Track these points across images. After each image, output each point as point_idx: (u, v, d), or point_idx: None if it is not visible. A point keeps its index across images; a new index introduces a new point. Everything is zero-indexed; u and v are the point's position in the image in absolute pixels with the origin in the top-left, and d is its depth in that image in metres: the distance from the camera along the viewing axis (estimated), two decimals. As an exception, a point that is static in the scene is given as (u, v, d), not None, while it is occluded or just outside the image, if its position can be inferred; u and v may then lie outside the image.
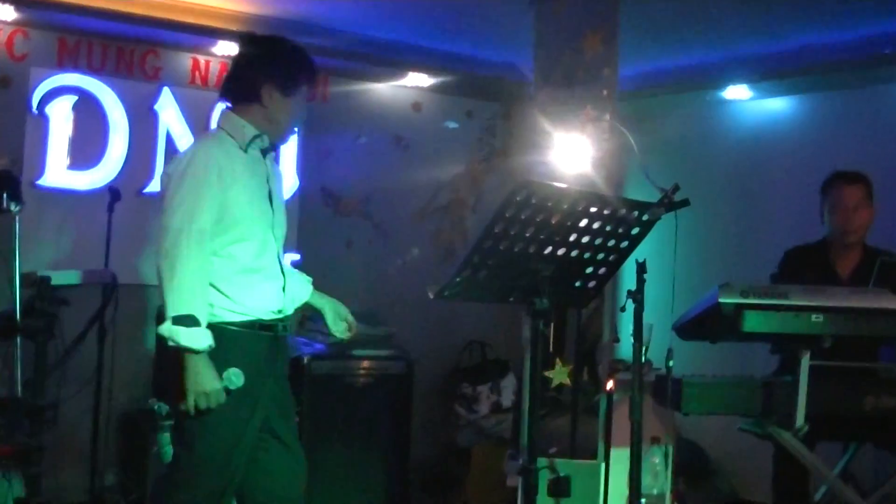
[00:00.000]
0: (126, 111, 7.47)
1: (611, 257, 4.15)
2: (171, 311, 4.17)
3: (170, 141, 7.63)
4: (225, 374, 4.28)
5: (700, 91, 8.27)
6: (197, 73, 7.82)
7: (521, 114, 8.30)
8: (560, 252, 3.98)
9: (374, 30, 7.88)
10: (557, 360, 6.22)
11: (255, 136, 4.48)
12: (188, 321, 4.15)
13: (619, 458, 5.66)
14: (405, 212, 8.74)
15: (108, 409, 6.85)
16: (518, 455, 6.14)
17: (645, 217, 4.04)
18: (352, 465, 7.41)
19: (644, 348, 5.34)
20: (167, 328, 4.16)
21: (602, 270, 4.20)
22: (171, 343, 4.17)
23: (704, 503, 7.96)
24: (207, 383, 4.23)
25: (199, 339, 4.17)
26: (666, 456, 6.09)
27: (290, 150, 8.04)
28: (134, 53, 7.57)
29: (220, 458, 4.39)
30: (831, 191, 5.92)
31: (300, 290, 4.92)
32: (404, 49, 8.16)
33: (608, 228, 4.01)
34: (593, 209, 3.91)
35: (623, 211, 3.99)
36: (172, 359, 4.24)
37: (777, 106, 8.29)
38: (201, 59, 7.82)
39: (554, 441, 6.42)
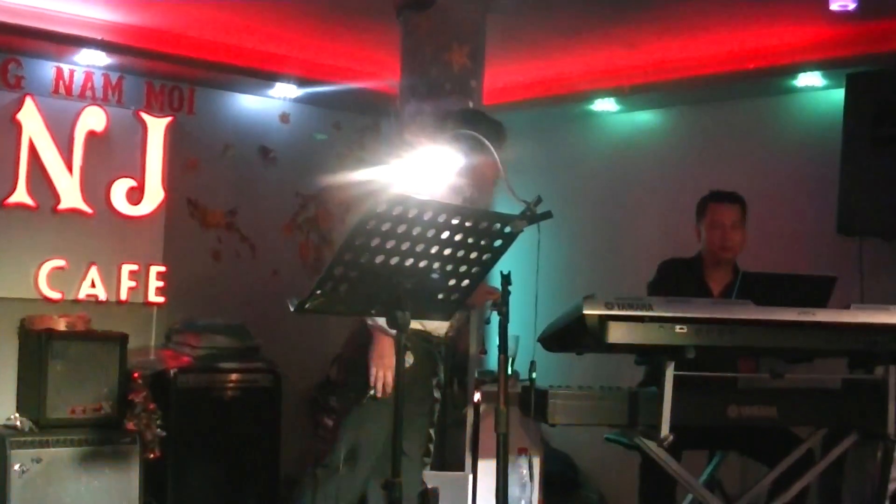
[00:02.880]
0: (-14, 121, 7.26)
1: (473, 269, 4.12)
2: None
3: (33, 151, 7.45)
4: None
5: (567, 104, 8.33)
6: (61, 82, 7.63)
7: (390, 126, 8.28)
8: (422, 264, 3.94)
9: (240, 39, 7.83)
10: (424, 372, 6.19)
11: None
12: None
13: (487, 470, 5.65)
14: (273, 224, 8.67)
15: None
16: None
17: (507, 230, 4.02)
18: (220, 480, 7.34)
19: (510, 360, 5.35)
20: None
21: (465, 283, 4.17)
22: (376, 325, 5.09)
23: (573, 513, 7.99)
24: (387, 357, 5.11)
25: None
26: (532, 467, 6.08)
27: (154, 161, 7.94)
28: (-6, 62, 7.40)
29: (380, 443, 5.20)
30: (708, 209, 6.00)
31: None
32: (271, 59, 8.12)
33: (470, 241, 3.98)
34: (455, 221, 3.87)
35: (485, 223, 3.96)
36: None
37: (644, 119, 8.38)
38: (65, 67, 7.65)
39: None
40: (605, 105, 8.26)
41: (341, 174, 8.82)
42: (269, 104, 8.64)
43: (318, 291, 3.84)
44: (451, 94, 6.29)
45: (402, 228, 3.77)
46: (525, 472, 6.04)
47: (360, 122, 9.14)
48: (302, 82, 8.31)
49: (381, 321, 4.80)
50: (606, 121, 8.54)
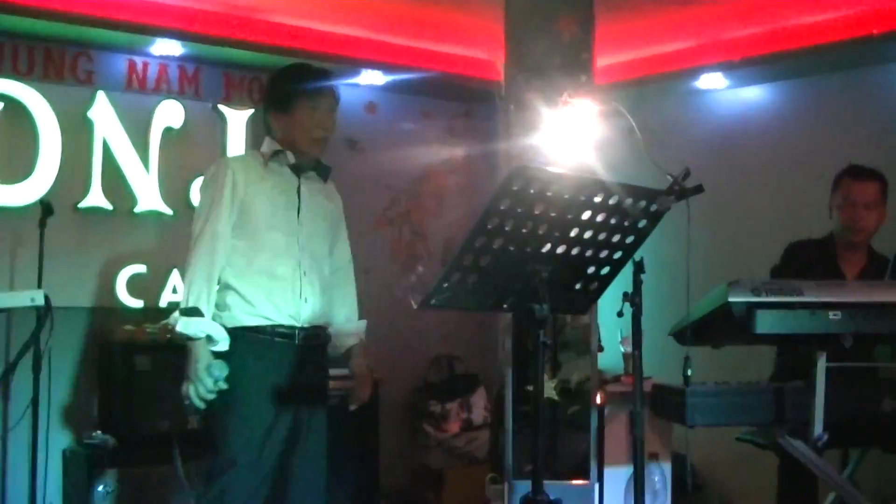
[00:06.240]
0: (58, 119, 6.99)
1: (615, 255, 3.71)
2: (182, 303, 4.59)
3: (107, 150, 7.16)
4: (211, 364, 4.53)
5: (673, 81, 7.96)
6: (134, 76, 7.35)
7: (484, 111, 7.93)
8: (560, 250, 3.53)
9: (322, 24, 7.57)
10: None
11: (276, 153, 4.85)
12: (191, 312, 4.50)
13: (613, 478, 5.30)
14: (362, 219, 8.28)
15: (47, 444, 6.51)
16: (500, 479, 5.71)
17: (653, 207, 3.58)
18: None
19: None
20: (173, 317, 4.56)
21: (605, 270, 3.75)
22: (175, 331, 4.56)
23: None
24: (192, 369, 4.48)
25: (194, 327, 4.50)
26: (664, 474, 5.71)
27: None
28: (65, 56, 7.10)
29: (251, 452, 4.63)
30: (842, 185, 5.67)
31: (338, 311, 5.10)
32: (356, 44, 7.80)
33: (612, 221, 3.58)
34: (597, 199, 3.44)
35: (629, 201, 3.53)
36: None
37: (754, 94, 8.00)
38: (138, 60, 7.36)
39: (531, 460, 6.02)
40: (712, 81, 7.80)
41: (433, 165, 8.45)
42: (354, 93, 8.23)
43: (446, 284, 3.41)
44: (560, 67, 5.90)
45: (538, 209, 3.33)
46: (657, 479, 5.65)
47: (451, 108, 8.81)
48: (389, 69, 7.97)
49: (184, 323, 4.52)
50: (714, 98, 8.15)
